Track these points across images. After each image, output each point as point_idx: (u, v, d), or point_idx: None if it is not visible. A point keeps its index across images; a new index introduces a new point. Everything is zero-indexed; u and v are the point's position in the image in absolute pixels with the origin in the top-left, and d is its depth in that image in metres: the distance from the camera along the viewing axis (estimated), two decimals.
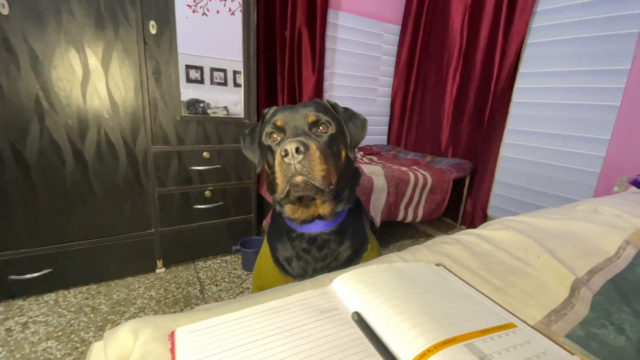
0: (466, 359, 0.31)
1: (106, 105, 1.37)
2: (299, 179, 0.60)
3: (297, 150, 0.58)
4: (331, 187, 0.64)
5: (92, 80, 1.32)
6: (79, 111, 1.32)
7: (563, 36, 1.85)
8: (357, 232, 0.79)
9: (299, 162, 0.59)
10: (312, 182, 0.61)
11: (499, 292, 0.49)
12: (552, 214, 0.83)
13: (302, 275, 0.76)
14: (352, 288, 0.45)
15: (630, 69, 1.61)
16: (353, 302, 0.43)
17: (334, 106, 0.79)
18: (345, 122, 0.77)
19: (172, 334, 0.37)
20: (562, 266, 0.55)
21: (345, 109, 0.81)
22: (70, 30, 1.25)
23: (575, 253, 0.62)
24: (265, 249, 0.85)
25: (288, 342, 0.36)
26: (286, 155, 0.59)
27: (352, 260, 0.76)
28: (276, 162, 0.62)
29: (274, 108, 0.78)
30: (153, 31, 1.39)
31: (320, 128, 0.69)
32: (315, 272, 0.74)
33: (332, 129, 0.70)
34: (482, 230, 0.72)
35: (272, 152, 0.70)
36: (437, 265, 0.55)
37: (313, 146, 0.61)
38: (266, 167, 0.77)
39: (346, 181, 0.74)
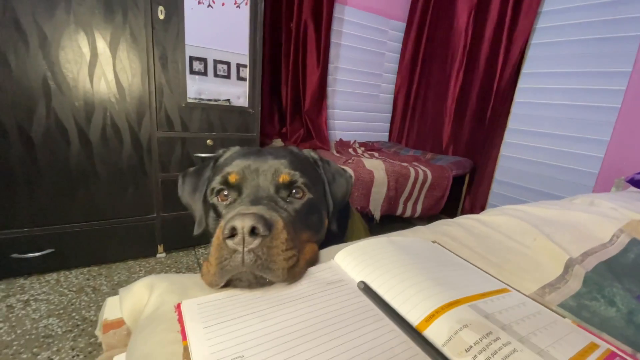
0: (473, 317, 0.33)
1: (113, 89, 1.38)
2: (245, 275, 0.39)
3: (253, 231, 0.37)
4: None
5: (99, 64, 1.33)
6: (86, 94, 1.34)
7: (566, 37, 1.87)
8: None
9: (251, 250, 0.37)
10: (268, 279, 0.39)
11: (495, 267, 0.51)
12: (550, 205, 0.85)
13: None
14: (356, 260, 0.47)
15: (631, 71, 1.63)
16: (357, 273, 0.44)
17: (316, 161, 0.61)
18: (329, 183, 0.59)
19: (179, 306, 0.36)
20: (557, 247, 0.57)
21: (328, 162, 0.63)
22: (80, 13, 1.26)
23: (570, 238, 0.63)
24: None
25: (297, 309, 0.36)
26: (232, 235, 0.37)
27: None
28: (214, 242, 0.40)
29: (233, 149, 0.59)
30: (161, 16, 1.40)
31: (294, 192, 0.50)
32: None
33: (310, 194, 0.51)
34: (482, 215, 0.74)
35: (218, 214, 0.50)
36: (433, 242, 0.57)
37: (279, 224, 0.40)
38: (209, 230, 0.54)
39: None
